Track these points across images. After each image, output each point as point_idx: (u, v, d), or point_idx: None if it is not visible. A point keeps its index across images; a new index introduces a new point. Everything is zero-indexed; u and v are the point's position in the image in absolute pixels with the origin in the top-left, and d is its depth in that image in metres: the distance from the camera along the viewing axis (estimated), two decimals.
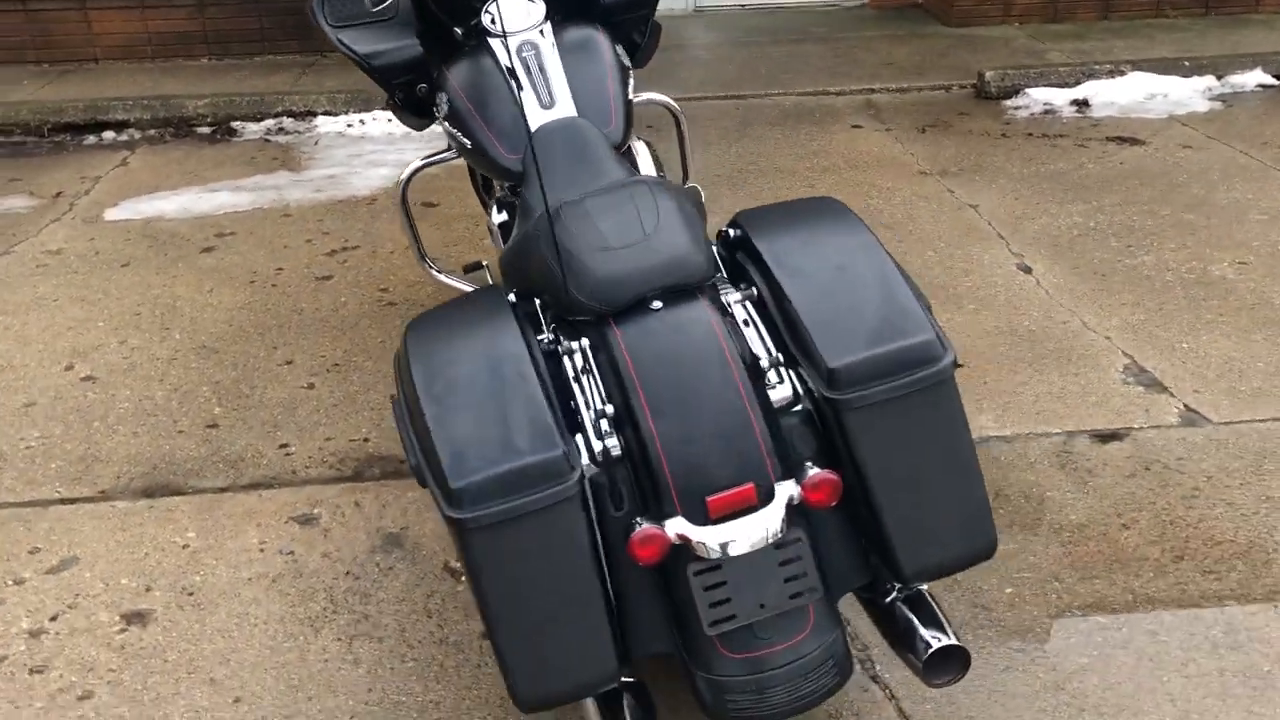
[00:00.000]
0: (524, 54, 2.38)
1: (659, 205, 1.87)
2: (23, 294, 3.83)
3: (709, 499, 1.59)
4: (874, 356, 1.64)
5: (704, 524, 1.60)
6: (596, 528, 1.63)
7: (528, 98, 2.32)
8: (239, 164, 5.00)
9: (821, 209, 1.95)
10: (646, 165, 2.62)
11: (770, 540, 1.60)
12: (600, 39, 2.48)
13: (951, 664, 1.71)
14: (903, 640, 1.75)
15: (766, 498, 1.62)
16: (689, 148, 2.98)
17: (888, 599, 1.79)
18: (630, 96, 2.48)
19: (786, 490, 1.63)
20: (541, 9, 2.47)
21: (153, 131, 5.46)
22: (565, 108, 2.32)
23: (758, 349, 1.76)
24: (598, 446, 1.66)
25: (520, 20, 2.44)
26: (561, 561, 1.58)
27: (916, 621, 1.74)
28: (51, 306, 3.74)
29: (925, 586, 1.80)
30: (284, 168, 4.94)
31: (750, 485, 1.61)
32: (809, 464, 1.67)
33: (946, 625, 1.74)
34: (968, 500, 1.69)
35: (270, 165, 4.98)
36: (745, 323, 1.80)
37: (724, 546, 1.58)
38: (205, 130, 5.46)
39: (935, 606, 1.77)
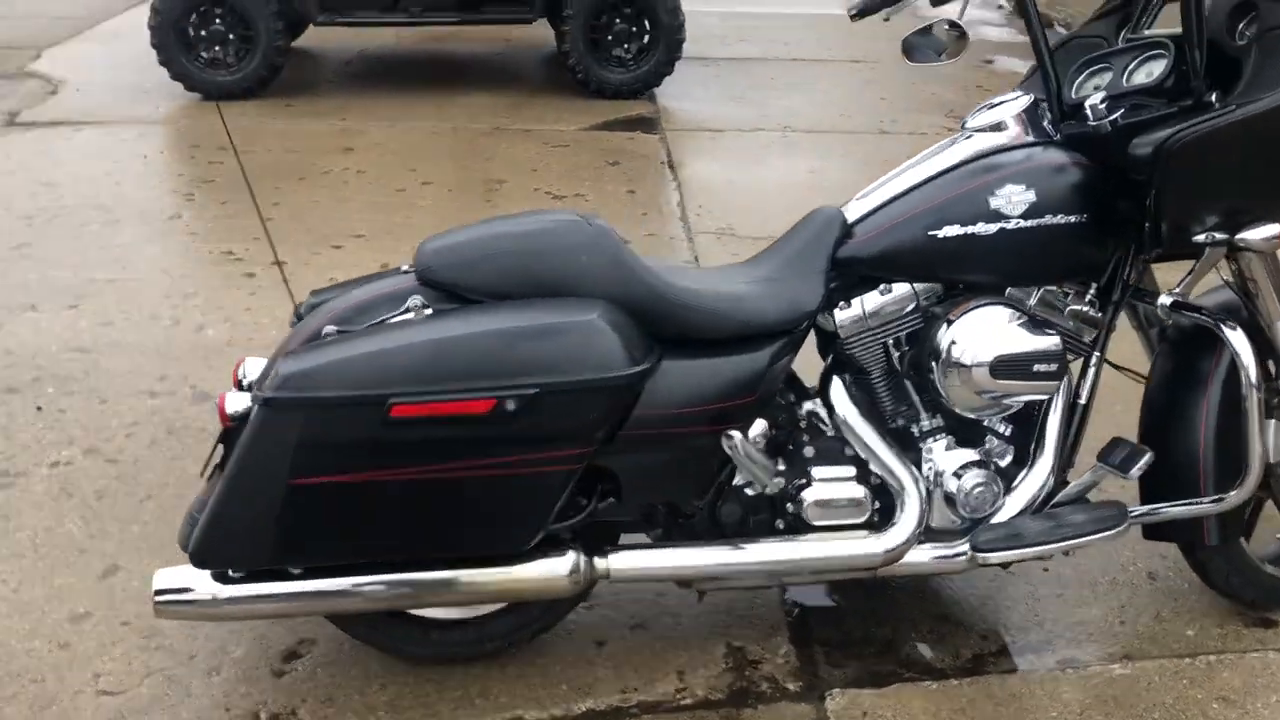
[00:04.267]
0: (953, 142, 2.32)
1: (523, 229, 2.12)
2: None
3: None
4: None
5: None
6: None
7: (878, 181, 2.34)
8: None
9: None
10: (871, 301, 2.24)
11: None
12: (994, 169, 2.19)
13: None
14: None
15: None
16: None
17: None
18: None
19: None
20: (1010, 115, 2.28)
21: None
22: (868, 202, 2.28)
23: None
24: None
25: (994, 115, 2.30)
26: None
27: None
28: None
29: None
30: None
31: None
32: None
33: None
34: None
35: None
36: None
37: None
38: None
39: None
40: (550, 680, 2.30)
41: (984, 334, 2.18)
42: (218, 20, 5.97)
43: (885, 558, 2.21)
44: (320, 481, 1.89)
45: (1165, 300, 2.27)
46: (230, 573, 2.00)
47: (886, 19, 2.52)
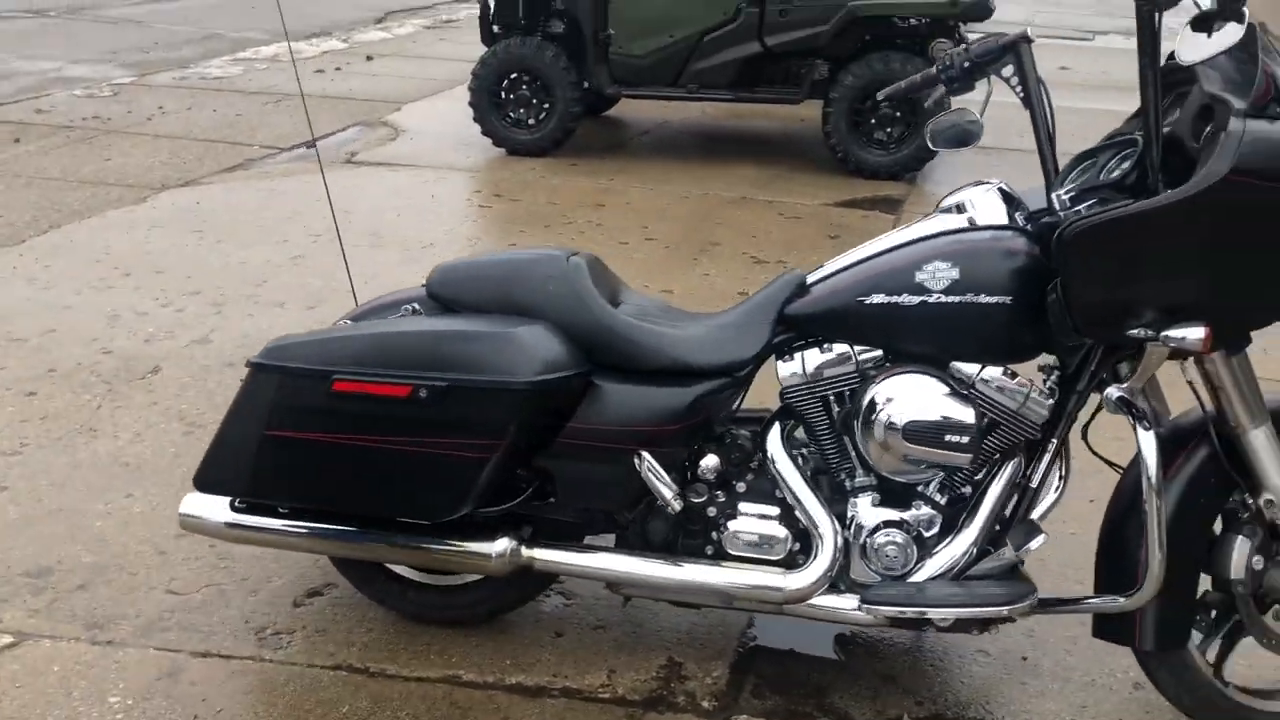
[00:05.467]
0: (923, 219, 2.46)
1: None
2: None
3: None
4: None
5: None
6: None
7: (851, 251, 2.49)
8: None
9: None
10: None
11: None
12: (930, 246, 2.29)
13: None
14: None
15: None
16: None
17: None
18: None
19: None
20: (971, 198, 2.39)
21: None
22: (829, 267, 2.44)
23: None
24: None
25: (958, 197, 2.44)
26: None
27: None
28: None
29: None
30: None
31: None
32: None
33: None
34: None
35: None
36: None
37: None
38: None
39: None
40: (500, 653, 2.62)
41: (901, 399, 2.30)
42: (524, 87, 6.82)
43: (786, 596, 2.36)
44: (288, 435, 2.36)
45: (1112, 393, 2.26)
46: (235, 505, 2.51)
47: (926, 105, 2.69)
